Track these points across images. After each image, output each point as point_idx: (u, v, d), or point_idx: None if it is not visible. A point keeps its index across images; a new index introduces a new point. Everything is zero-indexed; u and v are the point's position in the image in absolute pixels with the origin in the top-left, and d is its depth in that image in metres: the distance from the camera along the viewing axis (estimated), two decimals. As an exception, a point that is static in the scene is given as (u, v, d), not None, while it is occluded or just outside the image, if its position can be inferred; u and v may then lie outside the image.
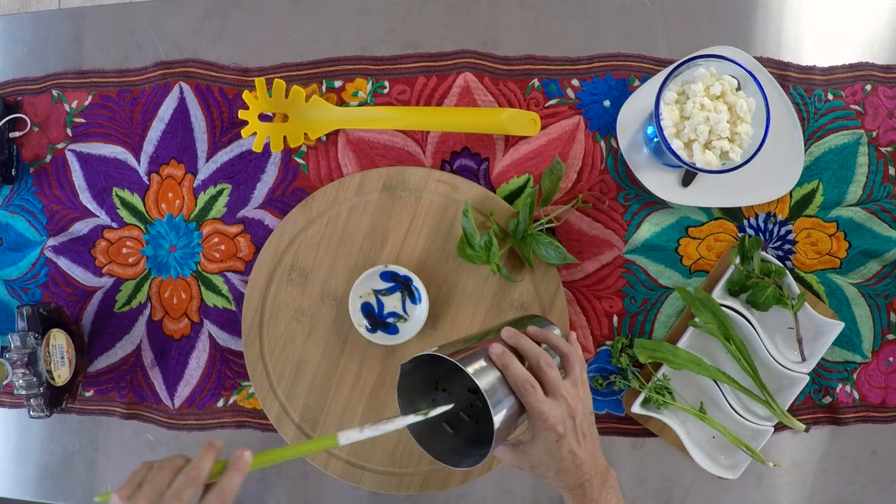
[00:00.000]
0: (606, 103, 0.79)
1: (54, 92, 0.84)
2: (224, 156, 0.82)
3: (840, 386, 0.79)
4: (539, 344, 0.62)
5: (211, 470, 0.53)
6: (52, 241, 0.84)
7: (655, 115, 0.68)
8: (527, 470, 0.60)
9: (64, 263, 0.84)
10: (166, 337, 0.83)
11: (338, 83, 0.81)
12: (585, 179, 0.79)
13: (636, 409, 0.76)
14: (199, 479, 0.53)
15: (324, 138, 0.81)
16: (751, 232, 0.78)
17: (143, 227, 0.83)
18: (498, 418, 0.55)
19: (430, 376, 0.62)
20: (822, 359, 0.78)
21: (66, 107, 0.84)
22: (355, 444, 0.78)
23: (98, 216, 0.84)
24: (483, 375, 0.56)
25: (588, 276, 0.79)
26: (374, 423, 0.56)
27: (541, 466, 0.60)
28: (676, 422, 0.77)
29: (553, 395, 0.58)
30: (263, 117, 0.80)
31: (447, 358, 0.55)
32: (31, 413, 0.78)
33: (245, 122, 0.81)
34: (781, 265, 0.75)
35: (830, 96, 0.78)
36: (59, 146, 0.84)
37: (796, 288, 0.75)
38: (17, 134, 0.84)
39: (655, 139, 0.71)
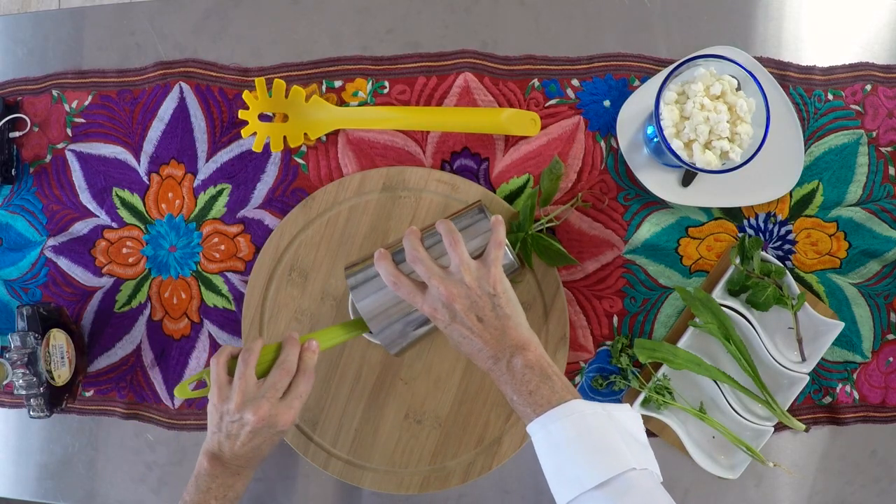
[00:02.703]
0: (606, 103, 0.79)
1: (54, 92, 0.84)
2: (224, 156, 0.82)
3: (840, 386, 0.79)
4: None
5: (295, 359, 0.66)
6: (52, 241, 0.84)
7: (655, 115, 0.68)
8: (461, 353, 0.66)
9: (64, 263, 0.84)
10: (166, 337, 0.83)
11: (338, 83, 0.81)
12: (585, 179, 0.79)
13: (636, 409, 0.76)
14: (292, 370, 0.65)
15: (324, 138, 0.81)
16: (751, 232, 0.78)
17: (143, 227, 0.83)
18: (374, 321, 0.66)
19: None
20: (822, 359, 0.78)
21: (66, 107, 0.84)
22: (356, 443, 0.79)
23: (98, 216, 0.84)
24: (371, 283, 0.66)
25: (588, 276, 0.79)
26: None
27: (458, 349, 0.64)
28: (676, 422, 0.77)
29: (428, 286, 0.63)
30: (263, 117, 0.80)
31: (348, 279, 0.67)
32: (31, 413, 0.78)
33: (245, 122, 0.81)
34: (781, 265, 0.75)
35: (830, 96, 0.78)
36: (59, 146, 0.84)
37: (796, 288, 0.75)
38: (17, 134, 0.84)
39: (655, 139, 0.71)
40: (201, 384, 0.70)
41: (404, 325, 0.67)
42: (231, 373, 0.66)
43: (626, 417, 0.60)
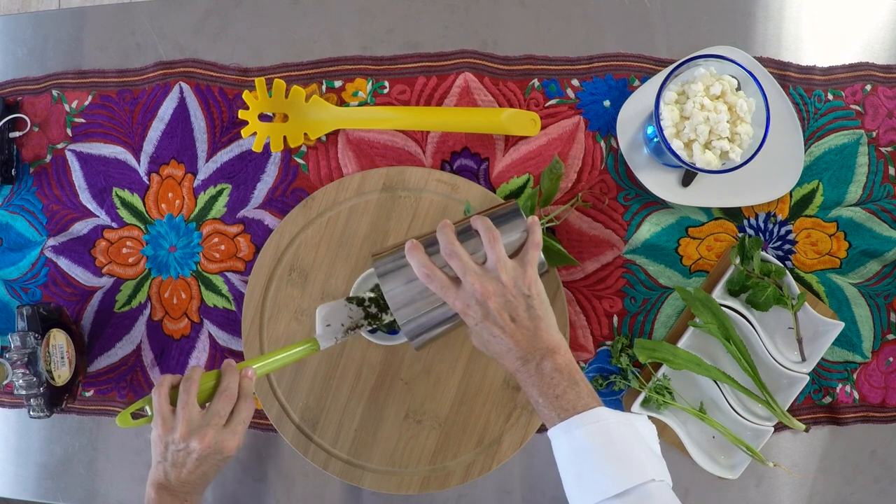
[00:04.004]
0: (606, 103, 0.79)
1: (54, 92, 0.84)
2: (224, 156, 0.82)
3: (840, 386, 0.79)
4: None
5: (236, 386, 0.67)
6: (52, 241, 0.84)
7: (655, 115, 0.68)
8: (486, 353, 0.64)
9: (64, 263, 0.84)
10: (166, 337, 0.83)
11: (338, 83, 0.81)
12: (585, 179, 0.79)
13: (636, 409, 0.76)
14: (234, 396, 0.66)
15: (324, 138, 0.81)
16: (751, 232, 0.78)
17: (143, 227, 0.83)
18: (401, 312, 0.63)
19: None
20: (822, 359, 0.78)
21: (66, 107, 0.84)
22: (356, 443, 0.79)
23: (98, 216, 0.84)
24: (400, 273, 0.64)
25: (588, 276, 0.79)
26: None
27: (484, 348, 0.63)
28: (676, 422, 0.77)
29: (462, 282, 0.61)
30: (263, 117, 0.80)
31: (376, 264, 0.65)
32: (31, 413, 0.78)
33: (245, 122, 0.81)
34: (781, 265, 0.75)
35: (830, 96, 0.78)
36: (59, 146, 0.84)
37: (796, 288, 0.75)
38: (17, 134, 0.84)
39: (655, 139, 0.71)
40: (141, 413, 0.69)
41: (431, 319, 0.65)
42: (173, 403, 0.66)
43: (645, 429, 0.60)
